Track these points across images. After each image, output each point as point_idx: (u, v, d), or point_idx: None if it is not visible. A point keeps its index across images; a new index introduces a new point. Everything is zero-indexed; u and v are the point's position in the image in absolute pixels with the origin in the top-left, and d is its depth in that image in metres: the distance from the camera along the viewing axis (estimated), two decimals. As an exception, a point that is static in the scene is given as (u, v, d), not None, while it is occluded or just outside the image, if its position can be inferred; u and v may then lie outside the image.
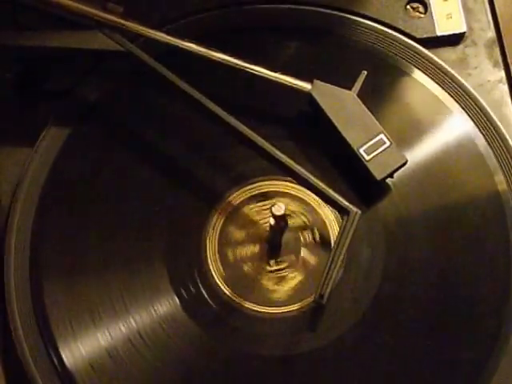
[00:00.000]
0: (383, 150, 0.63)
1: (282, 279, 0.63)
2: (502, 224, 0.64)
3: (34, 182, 0.65)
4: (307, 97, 0.65)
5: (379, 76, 0.68)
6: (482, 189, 0.65)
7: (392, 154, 0.63)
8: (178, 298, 0.62)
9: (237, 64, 0.64)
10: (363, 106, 0.64)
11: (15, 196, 0.64)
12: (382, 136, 0.63)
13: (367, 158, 0.63)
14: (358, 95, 0.65)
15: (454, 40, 0.70)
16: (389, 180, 0.64)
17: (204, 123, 0.65)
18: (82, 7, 0.64)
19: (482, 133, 0.66)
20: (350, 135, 0.63)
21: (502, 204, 0.64)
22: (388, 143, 0.63)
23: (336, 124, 0.64)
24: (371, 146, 0.63)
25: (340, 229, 0.60)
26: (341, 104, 0.64)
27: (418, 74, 0.69)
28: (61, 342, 0.60)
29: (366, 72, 0.65)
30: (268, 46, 0.69)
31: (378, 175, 0.63)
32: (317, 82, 0.65)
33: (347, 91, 0.65)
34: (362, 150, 0.63)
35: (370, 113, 0.64)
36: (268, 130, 0.64)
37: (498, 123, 0.67)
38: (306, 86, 0.65)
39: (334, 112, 0.64)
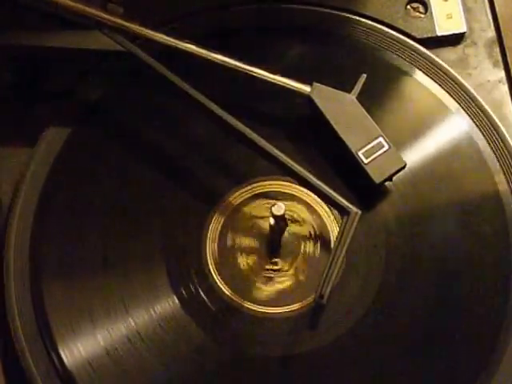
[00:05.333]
0: (382, 153, 0.63)
1: (281, 279, 0.63)
2: (503, 224, 0.64)
3: (34, 182, 0.65)
4: (307, 99, 0.65)
5: (379, 76, 0.68)
6: (482, 189, 0.65)
7: (391, 158, 0.63)
8: (178, 298, 0.62)
9: (236, 66, 0.64)
10: (362, 108, 0.64)
11: (15, 196, 0.64)
12: (380, 139, 0.63)
13: (366, 161, 0.63)
14: (359, 95, 0.65)
15: (454, 40, 0.70)
16: (388, 180, 0.65)
17: (204, 123, 0.65)
18: (82, 8, 0.64)
19: (482, 133, 0.66)
20: (349, 138, 0.63)
21: (503, 204, 0.64)
22: (387, 146, 0.63)
23: (335, 127, 0.64)
24: (370, 149, 0.63)
25: (340, 229, 0.60)
26: (340, 107, 0.64)
27: (418, 74, 0.69)
28: (60, 342, 0.61)
29: (365, 75, 0.65)
30: (268, 46, 0.69)
31: (377, 178, 0.63)
32: (316, 85, 0.65)
33: (347, 94, 0.65)
34: (360, 153, 0.63)
35: (369, 116, 0.64)
36: (267, 131, 0.64)
37: (499, 123, 0.67)
38: (305, 88, 0.65)
39: (334, 115, 0.64)
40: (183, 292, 0.62)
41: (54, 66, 0.68)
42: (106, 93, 0.68)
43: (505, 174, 0.65)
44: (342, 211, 0.61)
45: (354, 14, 0.70)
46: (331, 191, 0.61)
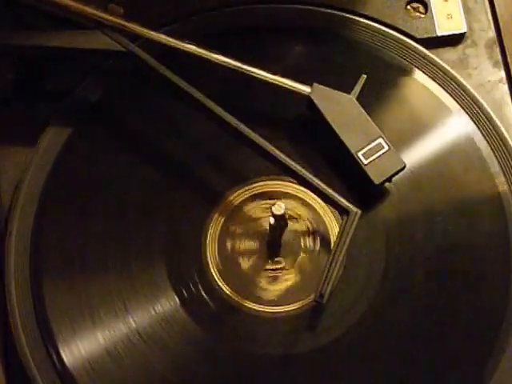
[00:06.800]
0: (382, 155, 0.63)
1: (281, 279, 0.63)
2: (503, 224, 0.64)
3: (33, 181, 0.65)
4: (307, 99, 0.65)
5: (379, 76, 0.68)
6: (482, 189, 0.65)
7: (390, 159, 0.63)
8: (178, 297, 0.62)
9: (236, 66, 0.64)
10: (362, 109, 0.64)
11: (15, 196, 0.64)
12: (380, 140, 0.63)
13: (365, 162, 0.63)
14: (359, 95, 0.65)
15: (455, 40, 0.71)
16: (388, 180, 0.64)
17: (204, 123, 0.65)
18: (83, 8, 0.64)
19: (482, 133, 0.66)
20: (349, 139, 0.64)
21: (503, 204, 0.64)
22: (386, 147, 0.63)
23: (335, 128, 0.64)
24: (370, 150, 0.63)
25: (340, 229, 0.61)
26: (340, 108, 0.64)
27: (418, 74, 0.69)
28: (61, 342, 0.61)
29: (365, 76, 0.65)
30: (268, 46, 0.69)
31: (376, 179, 0.63)
32: (316, 86, 0.65)
33: (346, 95, 0.65)
34: (360, 154, 0.63)
35: (369, 117, 0.64)
36: (267, 131, 0.64)
37: (499, 123, 0.67)
38: (305, 89, 0.65)
39: (333, 116, 0.64)
40: (183, 291, 0.62)
41: (54, 65, 0.68)
42: (106, 93, 0.68)
43: (505, 174, 0.65)
44: (342, 211, 0.61)
45: (354, 14, 0.71)
46: (331, 191, 0.61)
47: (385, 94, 0.68)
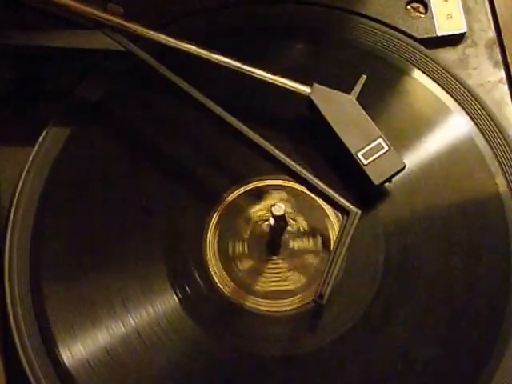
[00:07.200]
0: (381, 155, 0.63)
1: (281, 279, 0.63)
2: (503, 225, 0.64)
3: (34, 182, 0.65)
4: (307, 99, 0.65)
5: (379, 76, 0.68)
6: (482, 189, 0.65)
7: (390, 159, 0.63)
8: (177, 297, 0.62)
9: (236, 66, 0.64)
10: (362, 110, 0.64)
11: (15, 196, 0.64)
12: (380, 141, 0.63)
13: (365, 162, 0.63)
14: (359, 95, 0.65)
15: (455, 40, 0.71)
16: (389, 180, 0.64)
17: (204, 123, 0.65)
18: (83, 8, 0.64)
19: (482, 133, 0.66)
20: (349, 139, 0.64)
21: (503, 205, 0.64)
22: (386, 148, 0.63)
23: (335, 128, 0.64)
24: (369, 150, 0.63)
25: (340, 229, 0.61)
26: (340, 108, 0.64)
27: (418, 74, 0.69)
28: (61, 342, 0.60)
29: (365, 76, 0.65)
30: (268, 46, 0.69)
31: (376, 180, 0.63)
32: (316, 86, 0.65)
33: (346, 95, 0.65)
34: (360, 155, 0.63)
35: (368, 117, 0.64)
36: (267, 131, 0.64)
37: (500, 123, 0.66)
38: (305, 89, 0.65)
39: (333, 116, 0.64)
40: (183, 291, 0.62)
41: (54, 65, 0.68)
42: (106, 93, 0.68)
43: (505, 174, 0.65)
44: (342, 211, 0.61)
45: (354, 14, 0.71)
46: (331, 191, 0.61)
47: (385, 94, 0.68)
